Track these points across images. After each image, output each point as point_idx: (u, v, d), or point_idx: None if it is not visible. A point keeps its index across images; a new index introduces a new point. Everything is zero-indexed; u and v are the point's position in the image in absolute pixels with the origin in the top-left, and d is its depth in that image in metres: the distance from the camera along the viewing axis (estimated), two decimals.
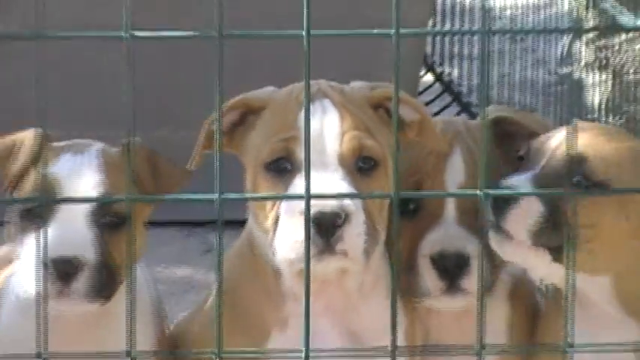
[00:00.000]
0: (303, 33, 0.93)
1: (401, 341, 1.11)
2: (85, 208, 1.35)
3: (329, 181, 1.26)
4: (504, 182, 1.31)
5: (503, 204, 1.28)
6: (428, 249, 1.39)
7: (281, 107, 1.36)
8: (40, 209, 1.32)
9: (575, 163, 1.30)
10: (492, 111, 1.52)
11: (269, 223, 1.30)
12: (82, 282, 1.32)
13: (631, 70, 2.95)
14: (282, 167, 1.32)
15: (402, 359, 1.15)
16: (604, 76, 3.04)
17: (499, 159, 1.42)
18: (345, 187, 1.27)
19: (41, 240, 1.23)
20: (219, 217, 0.94)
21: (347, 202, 1.24)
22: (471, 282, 1.35)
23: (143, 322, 1.33)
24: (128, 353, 1.03)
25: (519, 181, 1.32)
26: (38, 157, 1.39)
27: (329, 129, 1.31)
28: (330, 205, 1.22)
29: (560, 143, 1.34)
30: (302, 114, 1.20)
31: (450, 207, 1.42)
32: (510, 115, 1.52)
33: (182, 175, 1.44)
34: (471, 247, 1.37)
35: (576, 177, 1.31)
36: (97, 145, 1.45)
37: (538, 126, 1.48)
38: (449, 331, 1.46)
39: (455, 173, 1.44)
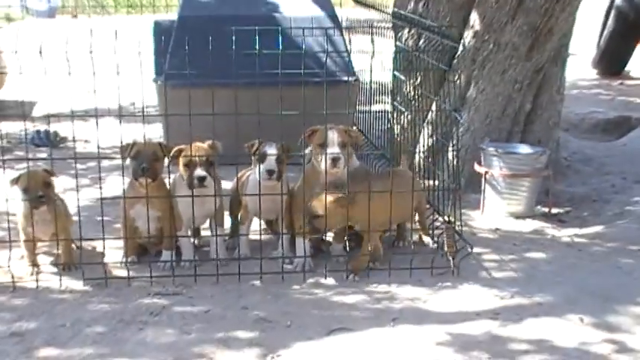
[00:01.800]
0: None
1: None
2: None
3: (335, 150, 3.81)
4: None
5: None
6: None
7: (321, 131, 3.85)
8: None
9: None
10: None
11: (320, 159, 3.94)
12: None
13: None
14: (323, 144, 3.80)
15: None
16: None
17: None
18: (338, 150, 3.88)
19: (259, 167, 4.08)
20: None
21: (340, 153, 3.93)
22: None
23: None
24: None
25: None
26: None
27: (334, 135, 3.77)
28: (336, 153, 3.92)
29: None
30: (329, 132, 3.99)
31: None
32: None
33: None
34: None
35: None
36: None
37: None
38: None
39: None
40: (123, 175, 4.05)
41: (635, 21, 9.65)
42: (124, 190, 4.14)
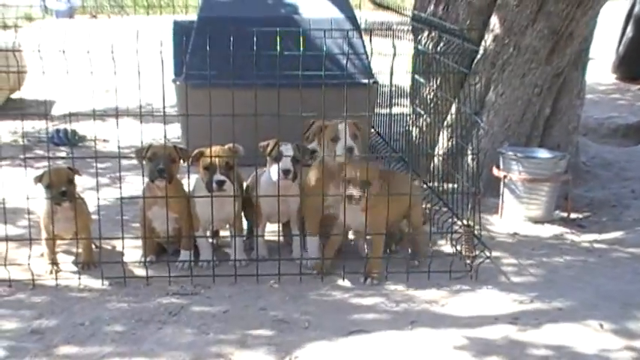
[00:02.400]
0: None
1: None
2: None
3: (348, 141, 4.05)
4: None
5: None
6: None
7: (332, 125, 4.09)
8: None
9: None
10: None
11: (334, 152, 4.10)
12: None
13: None
14: (336, 138, 3.94)
15: None
16: None
17: None
18: (351, 142, 4.04)
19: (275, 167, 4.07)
20: None
21: (353, 145, 4.04)
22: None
23: None
24: None
25: None
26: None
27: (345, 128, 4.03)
28: (350, 144, 4.03)
29: None
30: (340, 126, 4.07)
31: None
32: None
33: None
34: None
35: None
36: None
37: None
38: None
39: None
40: (142, 176, 4.07)
41: None
42: (143, 190, 4.16)
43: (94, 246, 4.26)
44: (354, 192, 3.84)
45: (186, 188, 4.22)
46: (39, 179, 4.02)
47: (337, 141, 4.06)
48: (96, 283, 3.93)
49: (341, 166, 3.99)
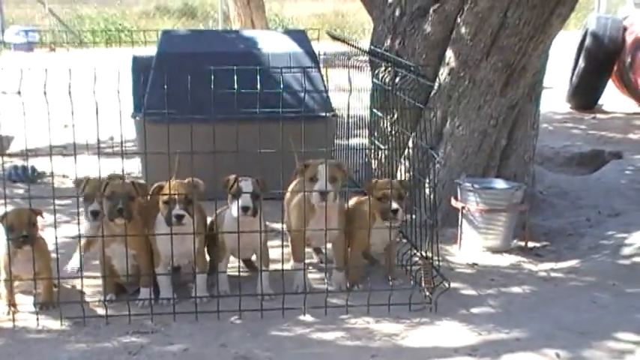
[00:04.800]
0: None
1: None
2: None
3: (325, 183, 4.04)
4: None
5: None
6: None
7: (313, 165, 4.09)
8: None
9: None
10: None
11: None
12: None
13: None
14: (315, 179, 4.02)
15: None
16: None
17: None
18: (330, 186, 4.08)
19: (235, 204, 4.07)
20: None
21: (330, 188, 4.07)
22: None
23: None
24: None
25: None
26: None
27: (324, 170, 3.99)
28: (327, 187, 4.11)
29: None
30: (320, 167, 4.11)
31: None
32: None
33: None
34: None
35: None
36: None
37: None
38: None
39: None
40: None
41: (605, 58, 9.83)
42: (102, 228, 4.14)
43: (53, 286, 4.21)
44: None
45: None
46: (0, 219, 3.97)
47: (316, 182, 4.12)
48: (55, 324, 3.89)
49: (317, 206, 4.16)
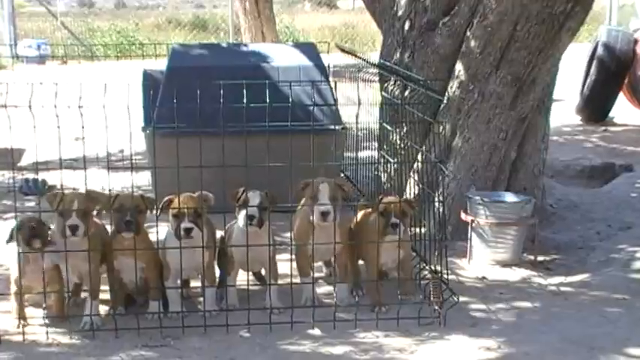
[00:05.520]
0: None
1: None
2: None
3: (326, 203, 4.07)
4: None
5: None
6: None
7: (314, 184, 4.10)
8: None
9: None
10: None
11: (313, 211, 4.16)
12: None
13: None
14: (315, 198, 4.10)
15: None
16: None
17: None
18: (330, 205, 4.09)
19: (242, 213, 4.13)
20: None
21: (330, 208, 4.09)
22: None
23: None
24: None
25: None
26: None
27: (325, 189, 4.00)
28: (327, 207, 4.10)
29: None
30: (321, 186, 4.11)
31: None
32: None
33: None
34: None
35: None
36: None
37: None
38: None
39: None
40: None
41: (616, 70, 9.81)
42: (110, 242, 4.15)
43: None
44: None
45: (154, 238, 4.22)
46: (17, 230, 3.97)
47: (316, 201, 4.12)
48: (64, 338, 3.90)
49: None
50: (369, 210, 4.50)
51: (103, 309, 4.20)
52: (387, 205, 4.26)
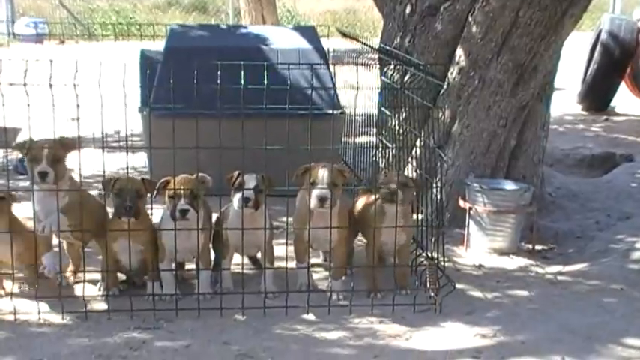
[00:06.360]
0: None
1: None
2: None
3: (324, 188, 4.01)
4: None
5: None
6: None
7: (315, 169, 4.06)
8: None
9: None
10: None
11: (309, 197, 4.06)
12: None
13: None
14: (314, 183, 4.04)
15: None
16: None
17: None
18: (327, 190, 4.01)
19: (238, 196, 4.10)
20: None
21: (329, 194, 4.02)
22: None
23: None
24: None
25: None
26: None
27: (324, 175, 3.95)
28: (324, 192, 4.02)
29: None
30: (320, 171, 4.07)
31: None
32: None
33: None
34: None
35: None
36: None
37: None
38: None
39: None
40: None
41: (620, 57, 9.78)
42: (109, 222, 4.14)
43: (57, 278, 4.19)
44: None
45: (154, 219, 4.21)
46: None
47: (315, 186, 4.07)
48: (56, 318, 3.89)
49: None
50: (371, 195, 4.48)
51: (97, 291, 4.19)
52: (387, 179, 4.25)
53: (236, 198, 4.07)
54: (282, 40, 6.32)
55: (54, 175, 3.90)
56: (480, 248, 5.09)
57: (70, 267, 4.42)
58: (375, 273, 4.29)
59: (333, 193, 4.04)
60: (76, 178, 4.14)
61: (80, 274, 4.26)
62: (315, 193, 4.03)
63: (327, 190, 4.03)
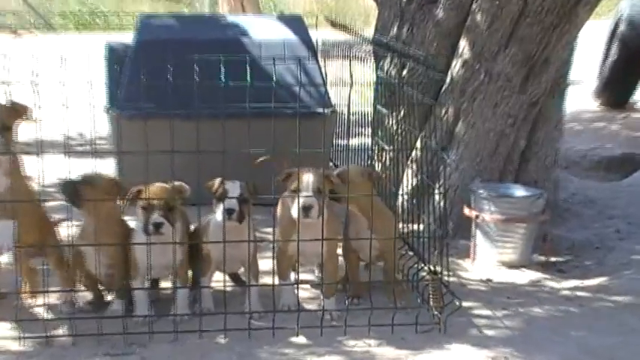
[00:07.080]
0: None
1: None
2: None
3: (308, 195, 4.04)
4: None
5: None
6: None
7: (296, 174, 4.12)
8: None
9: None
10: None
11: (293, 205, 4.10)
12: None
13: None
14: (297, 190, 4.05)
15: None
16: None
17: None
18: (313, 198, 4.04)
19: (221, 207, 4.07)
20: None
21: (313, 201, 4.06)
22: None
23: None
24: None
25: None
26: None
27: (309, 180, 3.98)
28: (309, 200, 4.06)
29: None
30: (304, 177, 4.10)
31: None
32: None
33: None
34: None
35: None
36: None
37: None
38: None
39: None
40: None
41: (639, 51, 9.83)
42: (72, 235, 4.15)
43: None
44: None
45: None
46: None
47: (299, 193, 4.06)
48: (13, 344, 3.88)
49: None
50: None
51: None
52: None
53: (219, 210, 4.08)
54: (265, 31, 6.35)
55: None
56: (488, 261, 5.13)
57: (26, 287, 4.41)
58: (352, 276, 4.48)
59: (319, 200, 4.05)
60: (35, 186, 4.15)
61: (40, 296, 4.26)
62: (298, 201, 4.04)
63: (313, 198, 4.04)
